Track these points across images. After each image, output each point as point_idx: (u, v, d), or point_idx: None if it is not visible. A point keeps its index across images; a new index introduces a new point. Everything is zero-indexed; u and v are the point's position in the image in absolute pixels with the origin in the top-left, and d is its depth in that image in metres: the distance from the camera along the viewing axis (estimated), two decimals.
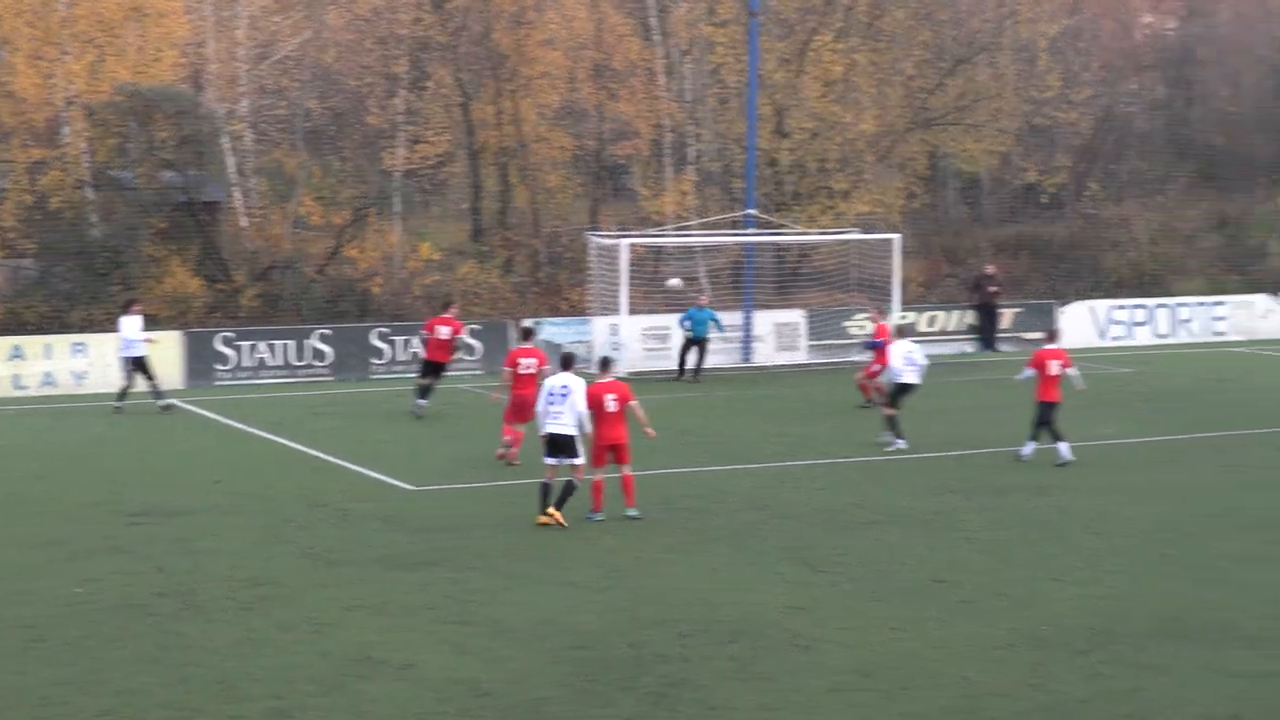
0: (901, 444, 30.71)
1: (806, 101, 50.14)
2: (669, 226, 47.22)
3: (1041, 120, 57.23)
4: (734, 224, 46.34)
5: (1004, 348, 47.05)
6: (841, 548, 22.68)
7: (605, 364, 24.75)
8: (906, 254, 46.71)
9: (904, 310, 45.14)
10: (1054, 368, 29.32)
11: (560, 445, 23.72)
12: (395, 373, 41.09)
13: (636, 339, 42.40)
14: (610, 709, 15.79)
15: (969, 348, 47.28)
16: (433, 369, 35.11)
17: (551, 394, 23.78)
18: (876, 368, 34.85)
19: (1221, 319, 51.32)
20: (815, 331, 44.99)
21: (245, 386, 39.67)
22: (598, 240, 43.76)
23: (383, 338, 41.75)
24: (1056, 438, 29.21)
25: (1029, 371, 29.68)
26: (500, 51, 50.12)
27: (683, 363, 41.36)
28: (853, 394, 36.64)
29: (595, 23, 51.74)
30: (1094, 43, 65.91)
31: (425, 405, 34.79)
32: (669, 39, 52.52)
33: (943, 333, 47.21)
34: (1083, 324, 49.17)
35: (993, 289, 47.61)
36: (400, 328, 42.08)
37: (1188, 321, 50.85)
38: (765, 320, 44.52)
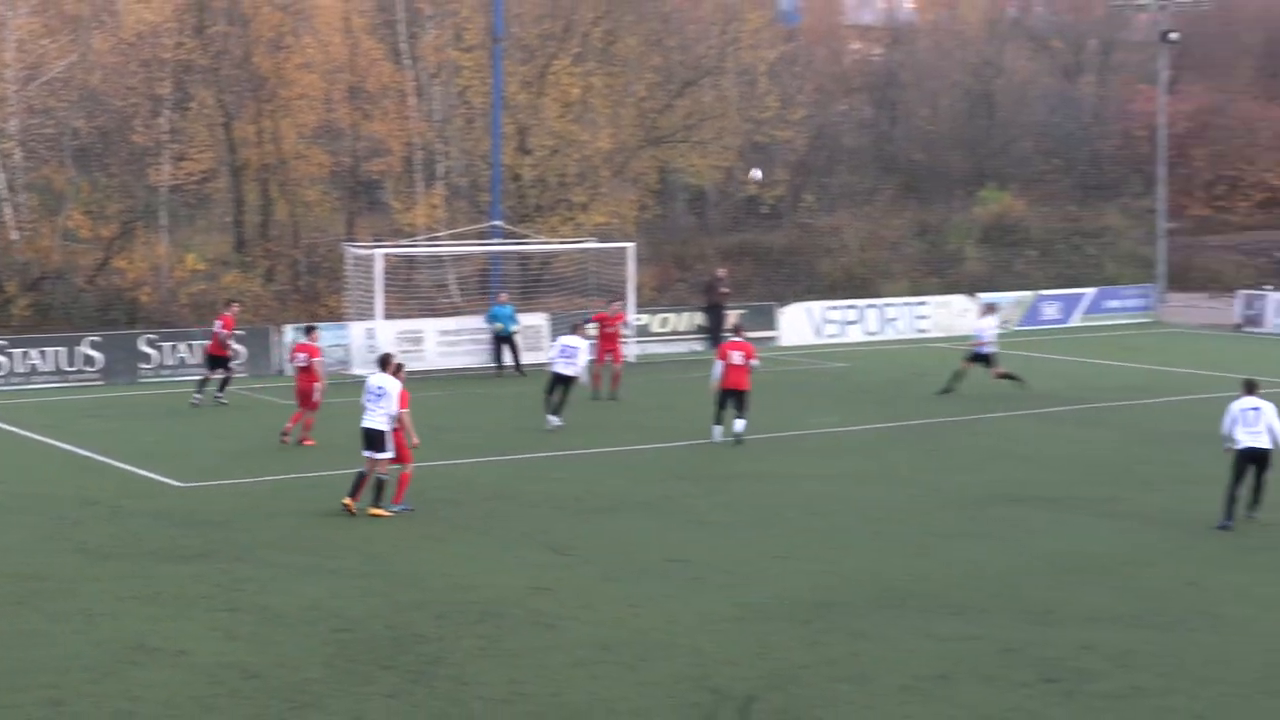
0: (556, 421, 32.08)
1: (547, 121, 50.23)
2: (420, 237, 47.01)
3: (761, 138, 58.01)
4: (481, 234, 46.28)
5: None
6: (581, 532, 22.84)
7: (398, 368, 24.84)
8: (640, 261, 47.05)
9: (638, 312, 45.51)
10: (735, 358, 30.23)
11: (368, 439, 23.65)
12: (163, 376, 40.33)
13: (392, 343, 42.09)
14: (371, 687, 15.74)
15: (698, 346, 47.76)
16: (210, 363, 36.03)
17: (369, 392, 23.75)
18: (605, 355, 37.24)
19: (924, 318, 52.45)
20: (557, 333, 44.96)
21: (18, 392, 38.56)
22: (354, 250, 43.47)
23: (151, 344, 40.93)
24: (735, 418, 30.23)
25: (719, 363, 30.54)
26: (260, 74, 49.40)
27: (499, 359, 41.88)
28: (580, 390, 36.88)
29: (349, 47, 51.26)
30: (808, 67, 66.95)
31: (212, 398, 35.53)
32: (419, 63, 52.23)
33: (674, 333, 47.63)
34: (800, 324, 49.95)
35: (724, 290, 48.21)
36: (168, 334, 41.35)
37: (894, 320, 51.91)
38: None
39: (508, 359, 41.91)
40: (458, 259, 48.90)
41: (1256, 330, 53.10)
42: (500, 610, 18.48)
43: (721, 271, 49.77)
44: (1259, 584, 19.91)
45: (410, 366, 41.48)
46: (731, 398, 30.25)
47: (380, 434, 23.52)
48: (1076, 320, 54.93)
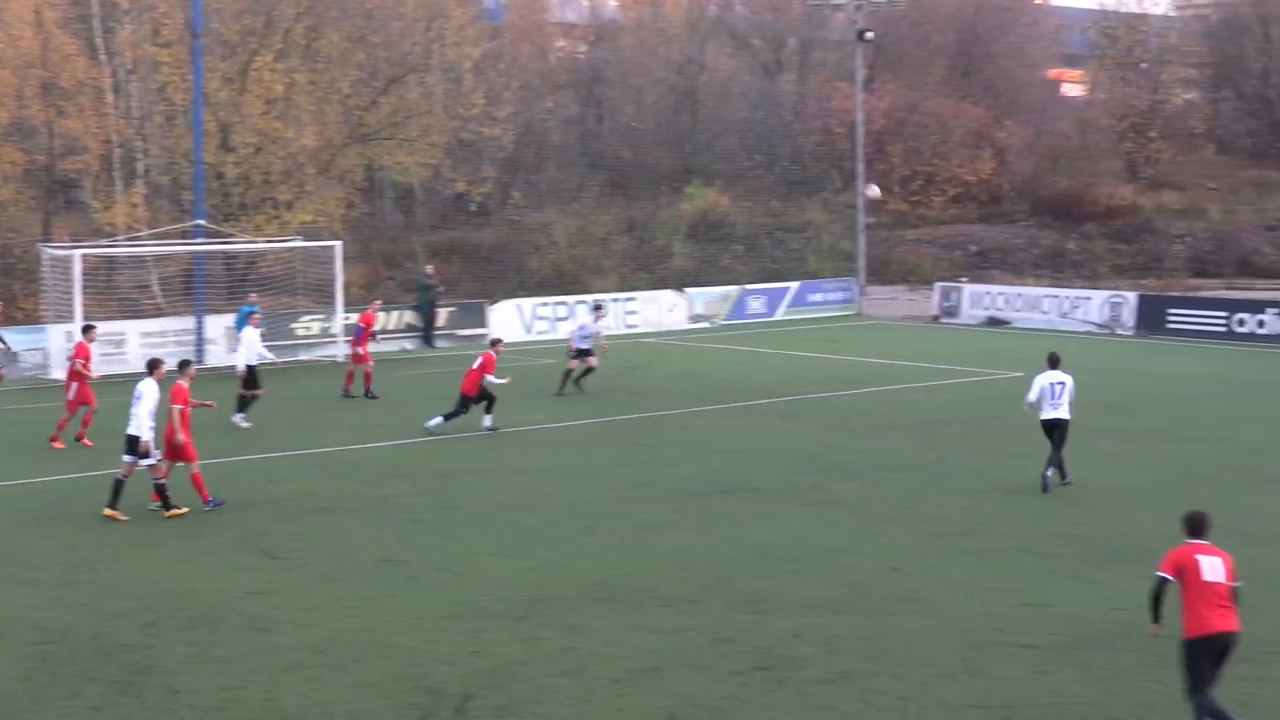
0: (242, 422, 32.61)
1: (250, 118, 49.51)
2: (121, 237, 45.99)
3: (468, 135, 58.04)
4: (184, 234, 45.47)
5: (441, 344, 47.61)
6: (297, 534, 22.60)
7: (183, 365, 24.70)
8: (348, 259, 46.72)
9: (347, 311, 45.08)
10: (474, 364, 31.44)
11: (128, 444, 23.40)
12: None
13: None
14: (76, 700, 15.37)
15: (409, 345, 47.56)
16: None
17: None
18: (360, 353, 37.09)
19: (634, 313, 53.05)
20: (265, 333, 44.37)
21: None
22: (50, 251, 42.38)
23: None
24: (450, 414, 31.54)
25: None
26: None
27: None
28: (295, 389, 36.55)
29: (41, 42, 49.92)
30: (514, 65, 67.16)
31: None
32: (115, 58, 51.10)
33: (383, 332, 47.33)
34: (511, 321, 50.05)
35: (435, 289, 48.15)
36: None
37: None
38: (217, 324, 43.71)
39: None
40: (160, 259, 48.00)
41: (953, 321, 54.84)
42: (212, 616, 18.19)
43: (430, 269, 49.67)
44: (957, 569, 20.56)
45: (112, 369, 40.90)
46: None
47: (133, 439, 23.21)
48: (781, 314, 56.09)
